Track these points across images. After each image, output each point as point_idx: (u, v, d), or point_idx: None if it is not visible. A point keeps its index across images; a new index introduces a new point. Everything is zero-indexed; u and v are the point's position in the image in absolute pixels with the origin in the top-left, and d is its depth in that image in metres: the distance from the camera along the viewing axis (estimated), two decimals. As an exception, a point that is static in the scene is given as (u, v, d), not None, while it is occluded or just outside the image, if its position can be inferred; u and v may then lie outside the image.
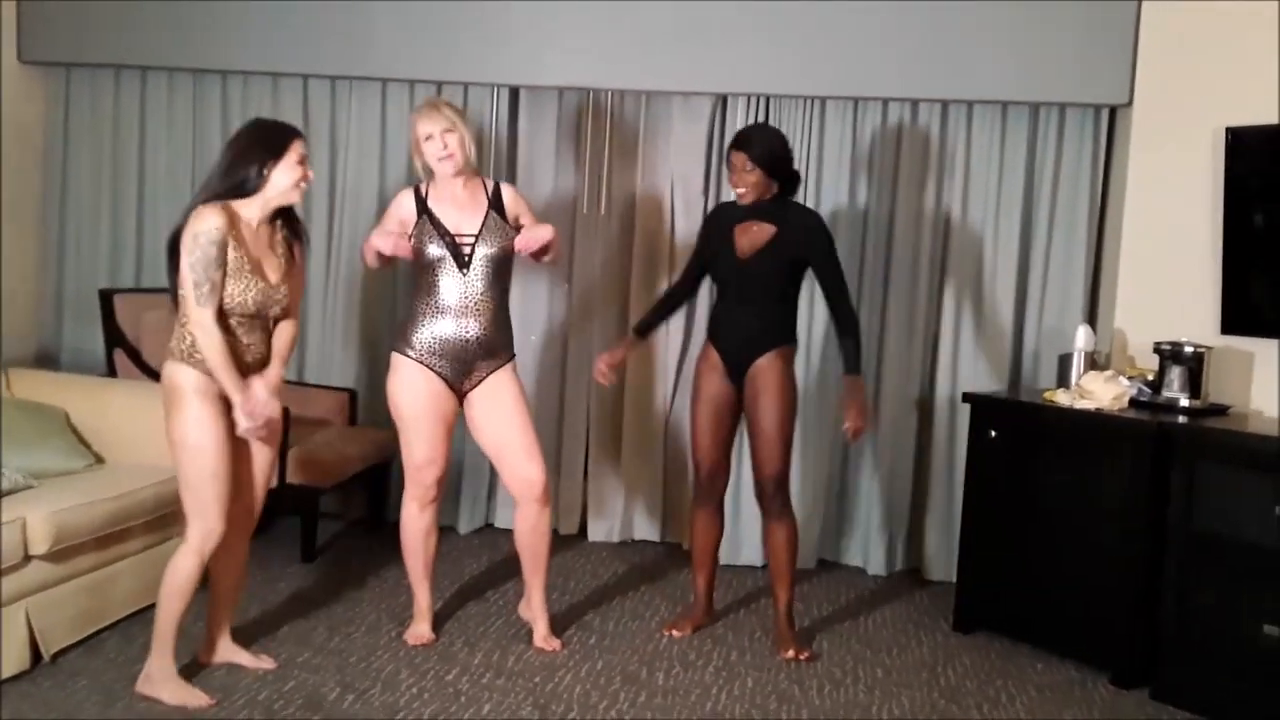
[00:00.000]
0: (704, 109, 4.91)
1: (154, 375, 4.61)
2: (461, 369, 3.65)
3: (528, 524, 3.75)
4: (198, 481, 3.19)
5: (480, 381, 3.69)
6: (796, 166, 3.88)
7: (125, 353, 4.73)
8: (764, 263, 3.77)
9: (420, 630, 3.83)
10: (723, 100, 4.87)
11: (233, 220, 3.15)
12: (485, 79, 4.86)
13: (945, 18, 4.53)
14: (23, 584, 3.35)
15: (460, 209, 3.63)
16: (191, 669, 3.42)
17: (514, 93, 5.00)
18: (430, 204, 3.61)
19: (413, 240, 3.59)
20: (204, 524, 3.20)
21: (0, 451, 3.58)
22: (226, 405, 3.22)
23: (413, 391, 3.63)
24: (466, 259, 3.59)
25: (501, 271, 3.67)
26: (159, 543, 3.92)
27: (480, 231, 3.61)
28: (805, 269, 3.85)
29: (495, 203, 3.68)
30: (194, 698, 3.24)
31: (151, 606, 3.83)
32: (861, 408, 3.82)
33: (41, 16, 5.02)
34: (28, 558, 3.35)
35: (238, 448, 3.28)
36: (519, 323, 4.92)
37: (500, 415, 3.70)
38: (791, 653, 3.83)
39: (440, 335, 3.60)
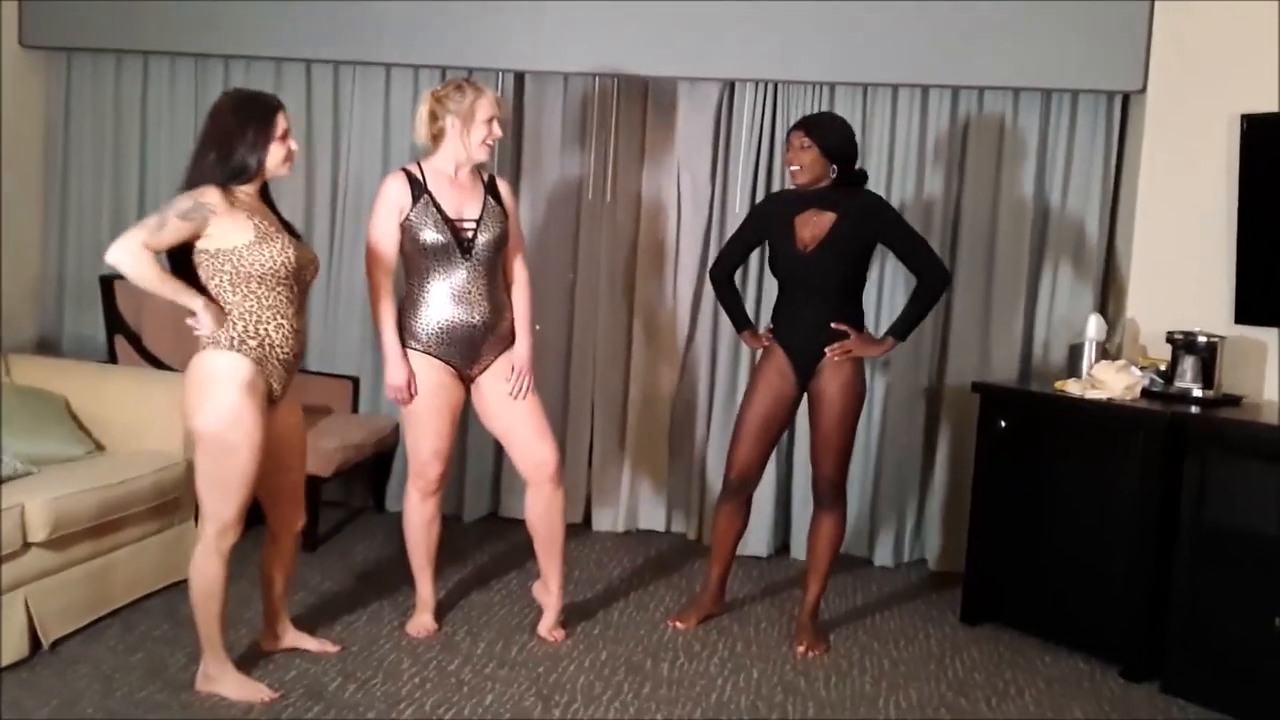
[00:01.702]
0: (711, 95, 4.85)
1: (155, 362, 4.60)
2: (470, 354, 3.59)
3: (541, 506, 3.71)
4: (224, 482, 3.03)
5: (488, 366, 3.64)
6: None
7: (126, 339, 4.71)
8: (828, 252, 3.67)
9: (422, 621, 3.79)
10: (730, 86, 4.83)
11: (231, 197, 3.02)
12: (490, 64, 4.82)
13: (956, 3, 4.48)
14: (22, 571, 3.32)
15: (459, 194, 3.57)
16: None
17: (519, 78, 4.95)
18: (430, 188, 3.54)
19: (410, 224, 3.49)
20: (221, 522, 3.08)
21: (0, 437, 3.55)
22: (269, 402, 3.10)
23: (420, 385, 3.57)
24: (469, 245, 3.54)
25: (500, 256, 3.63)
26: (158, 530, 3.90)
27: (481, 217, 3.57)
28: (870, 257, 3.78)
29: (492, 190, 3.64)
30: (257, 692, 3.20)
31: (152, 595, 3.85)
32: (866, 347, 3.73)
33: (43, 1, 4.98)
34: (27, 545, 3.33)
35: (281, 447, 3.19)
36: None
37: (509, 398, 3.66)
38: (803, 648, 3.80)
39: (447, 323, 3.54)
